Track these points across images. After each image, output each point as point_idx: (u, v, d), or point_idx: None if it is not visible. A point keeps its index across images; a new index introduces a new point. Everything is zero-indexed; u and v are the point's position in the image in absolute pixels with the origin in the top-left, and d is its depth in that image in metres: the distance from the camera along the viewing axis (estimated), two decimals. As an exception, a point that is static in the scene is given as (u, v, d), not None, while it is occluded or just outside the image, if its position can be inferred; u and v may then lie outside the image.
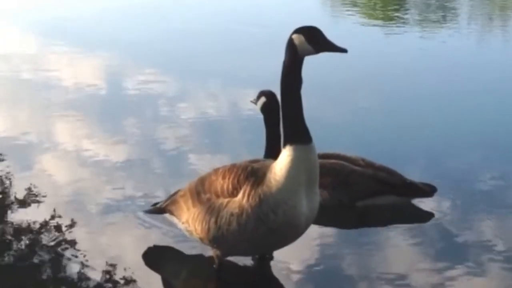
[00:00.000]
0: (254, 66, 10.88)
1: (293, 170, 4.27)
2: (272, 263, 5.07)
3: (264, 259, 5.04)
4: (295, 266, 5.06)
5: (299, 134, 4.30)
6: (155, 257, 5.23)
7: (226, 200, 4.49)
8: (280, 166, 4.31)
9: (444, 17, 16.51)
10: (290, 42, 4.27)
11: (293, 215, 4.34)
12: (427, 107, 8.91)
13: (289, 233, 4.48)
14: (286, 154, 4.29)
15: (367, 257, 5.24)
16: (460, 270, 5.01)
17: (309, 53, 4.26)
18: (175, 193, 5.02)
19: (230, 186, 4.48)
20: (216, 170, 4.70)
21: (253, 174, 4.45)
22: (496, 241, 5.41)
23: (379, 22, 15.62)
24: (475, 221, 5.75)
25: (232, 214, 4.42)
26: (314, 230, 5.49)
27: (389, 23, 15.48)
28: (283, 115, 4.37)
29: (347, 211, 5.90)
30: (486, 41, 14.01)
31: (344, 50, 4.25)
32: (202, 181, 4.73)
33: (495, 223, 5.71)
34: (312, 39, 4.23)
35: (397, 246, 5.41)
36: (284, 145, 4.33)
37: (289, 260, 5.10)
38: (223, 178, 4.54)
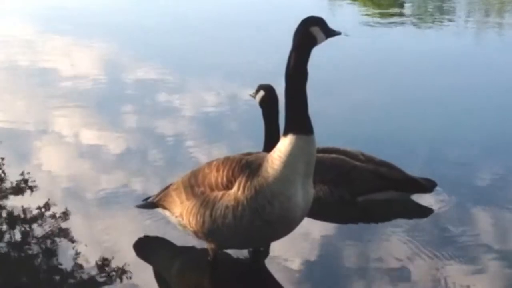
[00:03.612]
0: (253, 60, 10.87)
1: (293, 158, 4.24)
2: (269, 256, 5.05)
3: (258, 252, 5.01)
4: (292, 260, 5.03)
5: (302, 125, 4.27)
6: (150, 249, 5.21)
7: (221, 193, 4.45)
8: (279, 154, 4.27)
9: (443, 12, 16.50)
10: (307, 34, 4.29)
11: (288, 207, 4.31)
12: (428, 103, 8.89)
13: (284, 225, 4.44)
14: (287, 143, 4.25)
15: (366, 251, 5.21)
16: (459, 265, 4.99)
17: (321, 42, 4.36)
18: (167, 187, 4.99)
19: (225, 179, 4.45)
20: (209, 163, 4.67)
21: (248, 166, 4.42)
22: (495, 237, 5.39)
23: (379, 17, 15.60)
24: (475, 216, 5.73)
25: (227, 207, 4.39)
26: (313, 225, 5.49)
27: (388, 19, 15.46)
28: (287, 105, 4.34)
29: (348, 206, 5.87)
30: (488, 38, 13.99)
31: (339, 33, 4.41)
32: (195, 174, 4.69)
33: (494, 219, 5.68)
34: (324, 28, 4.34)
35: (396, 241, 5.38)
36: (285, 134, 4.29)
37: (287, 254, 5.08)
38: (217, 171, 4.51)
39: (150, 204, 5.13)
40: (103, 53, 11.55)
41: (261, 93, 5.88)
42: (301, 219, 4.50)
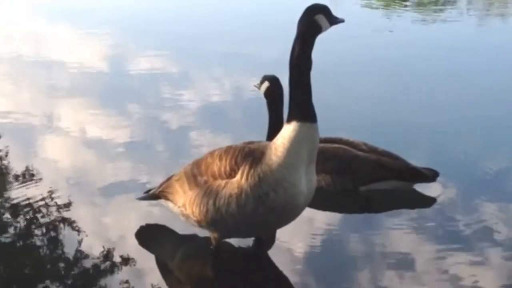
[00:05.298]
0: (258, 50, 10.86)
1: (297, 145, 4.25)
2: (272, 246, 5.06)
3: (261, 242, 5.01)
4: (295, 250, 5.06)
5: (306, 112, 4.28)
6: (153, 238, 5.23)
7: (224, 181, 4.46)
8: (283, 141, 4.28)
9: (446, 3, 16.44)
10: (312, 22, 4.30)
11: (293, 193, 4.31)
12: (430, 92, 8.89)
13: (288, 212, 4.45)
14: (290, 130, 4.26)
15: (369, 241, 5.22)
16: (462, 255, 5.00)
17: (325, 30, 4.37)
18: (169, 178, 4.99)
19: (228, 168, 4.46)
20: (212, 153, 4.67)
21: (251, 154, 4.43)
22: (498, 226, 5.39)
23: (382, 9, 15.56)
24: (477, 206, 5.72)
25: (231, 195, 4.39)
26: (316, 214, 5.50)
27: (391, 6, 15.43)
28: (291, 92, 4.34)
29: (350, 196, 5.88)
30: (494, 24, 13.94)
31: (343, 20, 4.43)
32: (197, 164, 4.70)
33: (497, 208, 5.68)
34: (329, 16, 4.35)
35: (399, 231, 5.39)
36: (289, 121, 4.30)
37: (289, 243, 5.10)
38: (220, 160, 4.52)
39: (151, 196, 5.14)
40: (107, 45, 11.55)
41: (266, 84, 5.88)
42: (304, 207, 4.51)
